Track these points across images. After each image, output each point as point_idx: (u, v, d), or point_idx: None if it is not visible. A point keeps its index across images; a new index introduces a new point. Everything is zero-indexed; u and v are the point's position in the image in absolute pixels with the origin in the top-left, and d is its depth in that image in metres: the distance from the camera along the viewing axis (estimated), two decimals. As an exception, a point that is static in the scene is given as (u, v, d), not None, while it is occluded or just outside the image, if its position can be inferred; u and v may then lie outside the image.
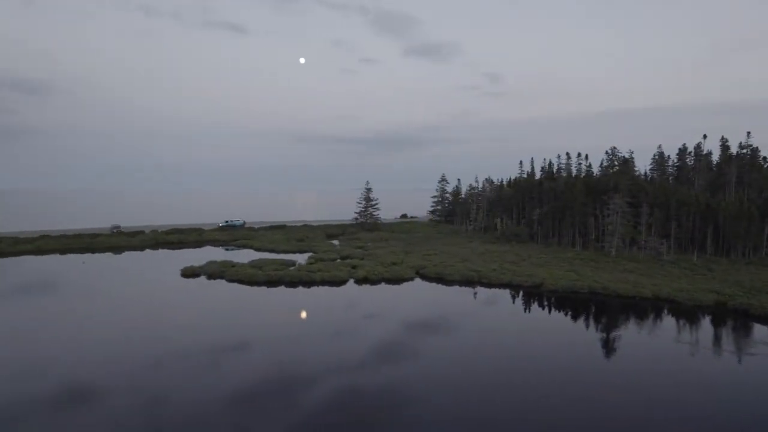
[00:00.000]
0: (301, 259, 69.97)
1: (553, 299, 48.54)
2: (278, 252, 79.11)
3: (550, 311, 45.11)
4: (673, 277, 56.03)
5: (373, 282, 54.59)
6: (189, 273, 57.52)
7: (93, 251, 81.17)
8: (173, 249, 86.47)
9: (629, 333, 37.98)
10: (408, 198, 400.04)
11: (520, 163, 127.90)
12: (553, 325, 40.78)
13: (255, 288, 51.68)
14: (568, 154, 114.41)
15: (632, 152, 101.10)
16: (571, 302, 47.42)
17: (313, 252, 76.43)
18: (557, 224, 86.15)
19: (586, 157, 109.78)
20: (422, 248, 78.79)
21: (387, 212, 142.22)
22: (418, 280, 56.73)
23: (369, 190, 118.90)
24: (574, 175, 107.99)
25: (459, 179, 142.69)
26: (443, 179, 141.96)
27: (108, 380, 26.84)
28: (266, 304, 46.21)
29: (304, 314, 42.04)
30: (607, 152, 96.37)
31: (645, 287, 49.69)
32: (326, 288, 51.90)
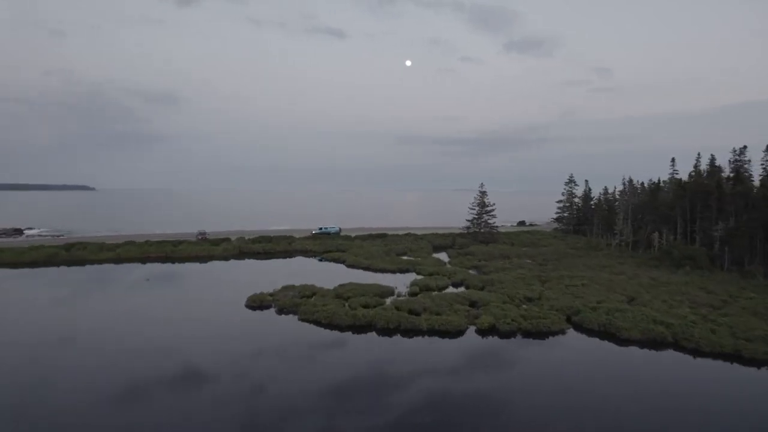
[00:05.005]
0: (402, 281, 54.59)
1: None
2: (374, 270, 64.46)
3: None
4: None
5: (504, 334, 36.97)
6: (256, 303, 44.31)
7: (173, 261, 73.06)
8: (259, 259, 76.28)
9: None
10: (515, 201, 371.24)
11: (672, 160, 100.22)
12: None
13: (333, 333, 36.88)
14: (744, 147, 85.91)
15: None
16: None
17: (417, 272, 60.71)
18: (758, 245, 61.41)
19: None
20: (559, 272, 59.14)
21: (498, 217, 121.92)
22: (571, 332, 38.03)
23: (483, 193, 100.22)
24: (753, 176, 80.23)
25: (587, 180, 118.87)
26: (571, 180, 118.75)
27: None
28: (339, 371, 30.64)
29: (388, 410, 25.95)
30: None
31: None
32: (435, 340, 35.55)
